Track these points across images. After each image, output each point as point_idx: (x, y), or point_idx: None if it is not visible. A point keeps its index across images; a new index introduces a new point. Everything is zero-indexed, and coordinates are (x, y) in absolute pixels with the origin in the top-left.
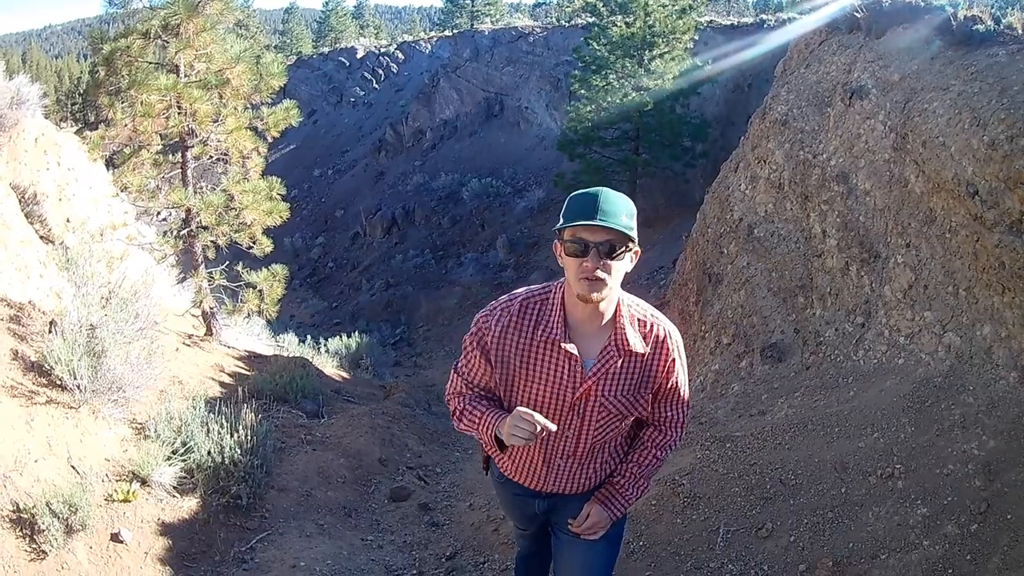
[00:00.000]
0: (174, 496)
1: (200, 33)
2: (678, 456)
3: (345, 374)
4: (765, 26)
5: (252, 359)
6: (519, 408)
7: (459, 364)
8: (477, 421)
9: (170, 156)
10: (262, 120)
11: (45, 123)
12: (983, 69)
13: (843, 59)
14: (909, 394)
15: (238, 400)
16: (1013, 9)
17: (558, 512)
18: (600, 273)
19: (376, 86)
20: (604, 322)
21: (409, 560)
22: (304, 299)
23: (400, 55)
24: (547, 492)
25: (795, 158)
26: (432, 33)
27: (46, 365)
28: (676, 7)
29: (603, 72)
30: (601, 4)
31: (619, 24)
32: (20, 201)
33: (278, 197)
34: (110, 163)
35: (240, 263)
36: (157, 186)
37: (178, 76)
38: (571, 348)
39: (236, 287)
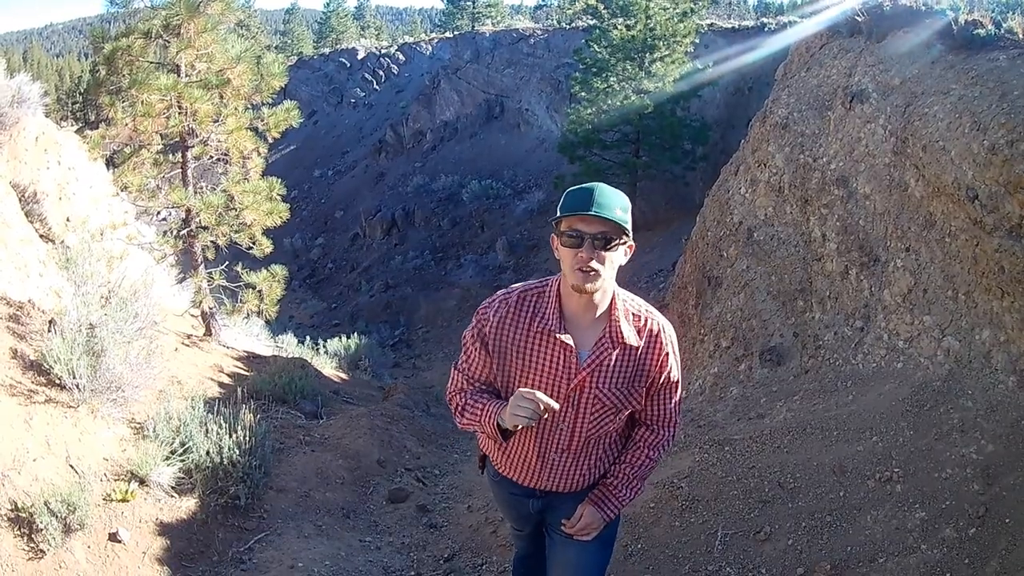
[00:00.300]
0: (172, 496)
1: (201, 33)
2: (676, 459)
3: (344, 375)
4: (766, 29)
5: (251, 359)
6: (520, 388)
7: (459, 361)
8: (479, 413)
9: (170, 156)
10: (262, 120)
11: (46, 122)
12: (984, 73)
13: (844, 63)
14: (908, 398)
15: (237, 400)
16: (1014, 13)
17: (552, 512)
18: (595, 264)
19: (376, 87)
20: (599, 314)
21: (407, 561)
22: (303, 300)
23: (401, 56)
24: (542, 490)
25: (795, 162)
26: (433, 35)
27: (45, 364)
28: (677, 10)
29: (604, 75)
30: (602, 7)
31: (620, 27)
32: (20, 200)
33: (278, 198)
34: (110, 162)
35: (240, 263)
36: (157, 186)
37: (179, 76)
38: (566, 339)
39: (235, 287)
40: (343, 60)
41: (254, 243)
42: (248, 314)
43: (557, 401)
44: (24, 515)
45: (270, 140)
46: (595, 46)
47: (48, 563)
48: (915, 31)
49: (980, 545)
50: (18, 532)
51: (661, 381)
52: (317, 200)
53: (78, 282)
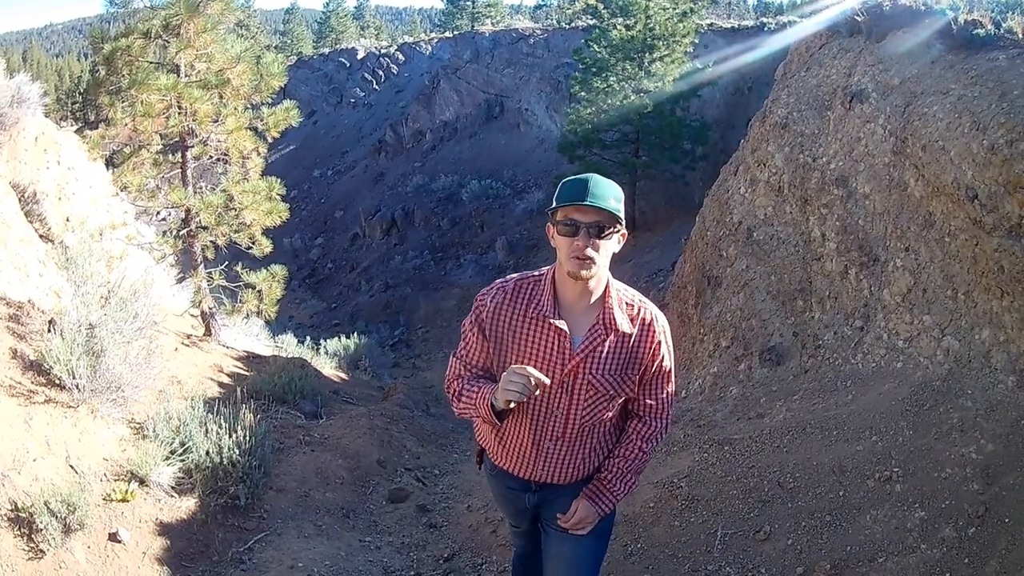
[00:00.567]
0: (172, 496)
1: (201, 33)
2: (676, 459)
3: (344, 375)
4: (766, 29)
5: (251, 359)
6: (512, 365)
7: (458, 349)
8: (474, 396)
9: (170, 156)
10: (262, 120)
11: (45, 122)
12: (983, 73)
13: (843, 63)
14: (907, 398)
15: (237, 400)
16: (1013, 13)
17: (548, 507)
18: (590, 252)
19: (376, 87)
20: (593, 301)
21: (407, 561)
22: (303, 300)
23: (400, 56)
24: (537, 482)
25: (795, 161)
26: (432, 34)
27: (45, 364)
28: (677, 10)
29: (603, 74)
30: (602, 7)
31: (620, 27)
32: (20, 200)
33: (277, 197)
34: (110, 162)
35: (239, 263)
36: (157, 186)
37: (178, 76)
38: (560, 324)
39: (235, 287)
40: (343, 60)
41: (254, 243)
42: (248, 314)
43: (551, 386)
44: (24, 515)
45: (269, 140)
46: (595, 46)
47: (48, 563)
48: (915, 31)
49: (980, 545)
50: (18, 532)
51: (653, 369)
52: (317, 200)
53: (78, 282)
